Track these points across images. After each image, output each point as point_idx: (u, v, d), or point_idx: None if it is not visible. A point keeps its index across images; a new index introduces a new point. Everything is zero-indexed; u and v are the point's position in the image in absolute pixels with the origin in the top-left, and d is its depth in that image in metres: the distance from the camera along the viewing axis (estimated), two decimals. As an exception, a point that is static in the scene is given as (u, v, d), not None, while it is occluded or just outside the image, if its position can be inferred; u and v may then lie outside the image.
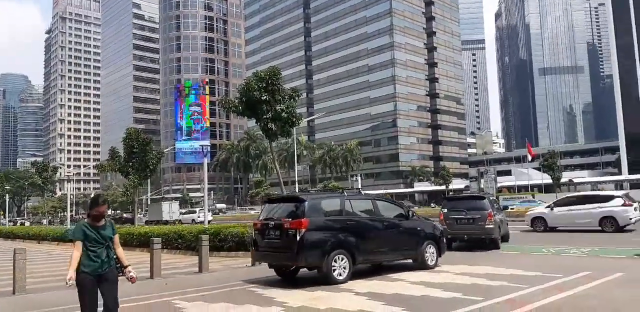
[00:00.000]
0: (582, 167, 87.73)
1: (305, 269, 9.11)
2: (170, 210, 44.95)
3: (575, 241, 14.65)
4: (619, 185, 61.04)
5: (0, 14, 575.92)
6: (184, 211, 46.02)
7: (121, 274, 4.95)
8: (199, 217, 40.12)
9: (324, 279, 8.29)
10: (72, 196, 59.55)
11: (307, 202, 8.66)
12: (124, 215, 53.62)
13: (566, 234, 17.93)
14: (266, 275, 9.70)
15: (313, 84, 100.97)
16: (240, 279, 9.45)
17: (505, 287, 7.49)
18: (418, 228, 10.06)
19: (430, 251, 9.95)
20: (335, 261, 8.38)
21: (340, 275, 8.38)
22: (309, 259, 8.35)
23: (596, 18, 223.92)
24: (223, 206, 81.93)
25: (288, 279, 9.13)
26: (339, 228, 8.70)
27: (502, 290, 7.30)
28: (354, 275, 8.74)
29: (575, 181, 61.09)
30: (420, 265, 9.79)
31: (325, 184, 71.46)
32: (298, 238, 8.15)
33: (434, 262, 9.99)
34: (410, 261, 10.14)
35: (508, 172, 67.38)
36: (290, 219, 8.43)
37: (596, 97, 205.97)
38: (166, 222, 38.45)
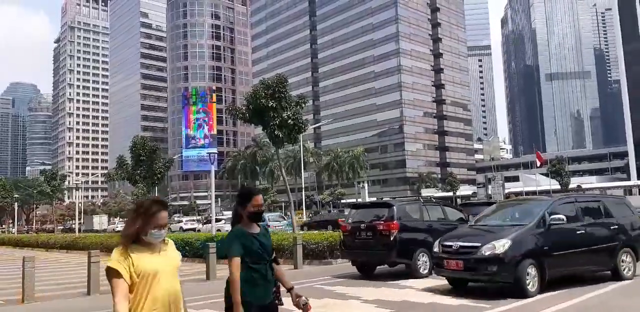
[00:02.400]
0: (590, 173, 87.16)
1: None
2: (100, 221, 56.13)
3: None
4: (627, 190, 60.55)
5: (10, 23, 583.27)
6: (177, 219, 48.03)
7: (277, 301, 3.34)
8: (185, 224, 44.19)
9: (413, 274, 9.64)
10: (80, 204, 59.82)
11: (395, 207, 10.01)
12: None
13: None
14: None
15: (319, 91, 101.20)
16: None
17: (568, 281, 7.77)
18: None
19: None
20: (419, 259, 9.70)
21: (424, 270, 9.72)
22: (401, 256, 9.72)
23: (603, 23, 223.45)
24: (230, 213, 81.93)
25: (368, 275, 10.34)
26: (420, 230, 10.10)
27: (563, 284, 7.53)
28: (364, 284, 8.72)
29: (583, 186, 60.68)
30: None
31: (332, 191, 71.37)
32: (392, 238, 9.53)
33: None
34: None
35: (516, 178, 66.96)
36: (382, 222, 9.74)
37: (604, 102, 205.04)
38: (97, 231, 46.11)
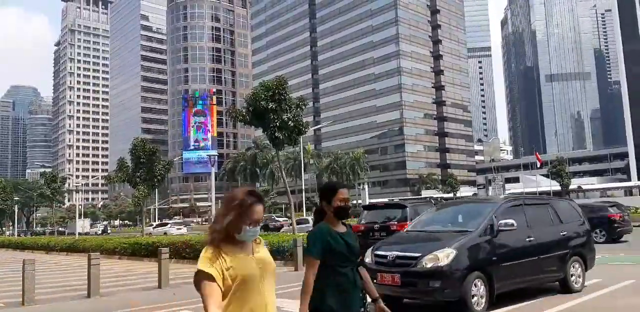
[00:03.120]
0: (590, 173, 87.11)
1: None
2: (83, 225, 59.26)
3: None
4: (628, 191, 60.52)
5: (10, 26, 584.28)
6: (154, 224, 50.32)
7: (364, 311, 2.92)
8: (170, 229, 45.39)
9: None
10: (80, 207, 59.89)
11: (408, 208, 10.31)
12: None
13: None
14: (276, 285, 9.66)
15: (319, 93, 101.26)
16: (248, 288, 9.42)
17: (513, 297, 7.44)
18: None
19: None
20: None
21: None
22: None
23: (603, 24, 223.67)
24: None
25: None
26: None
27: (509, 300, 7.25)
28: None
29: (584, 187, 60.66)
30: None
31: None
32: None
33: None
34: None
35: (516, 179, 67.01)
36: (396, 223, 9.98)
37: (604, 103, 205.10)
38: (79, 234, 47.53)
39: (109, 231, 64.08)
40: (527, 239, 6.98)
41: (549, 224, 7.62)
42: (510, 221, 6.56)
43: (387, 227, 10.13)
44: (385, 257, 6.53)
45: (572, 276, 7.60)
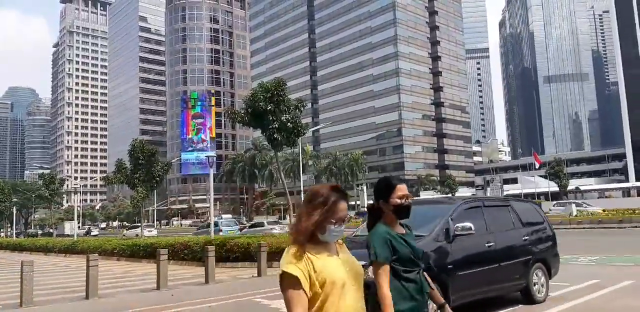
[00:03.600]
0: (589, 174, 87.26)
1: None
2: (70, 227, 60.46)
3: (582, 250, 14.53)
4: (626, 192, 60.64)
5: (9, 28, 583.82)
6: (128, 225, 51.41)
7: None
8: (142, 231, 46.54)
9: None
10: (79, 208, 59.81)
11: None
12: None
13: (572, 242, 17.80)
14: (272, 286, 9.69)
15: (318, 94, 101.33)
16: (247, 290, 9.44)
17: (512, 297, 7.45)
18: None
19: None
20: None
21: None
22: None
23: (600, 25, 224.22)
24: (229, 216, 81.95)
25: None
26: None
27: (508, 300, 7.25)
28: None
29: (582, 188, 60.75)
30: None
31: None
32: None
33: None
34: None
35: (514, 180, 67.08)
36: None
37: (602, 104, 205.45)
38: (68, 235, 49.64)
39: (92, 233, 64.93)
40: (487, 245, 6.33)
41: (510, 228, 6.95)
42: (468, 224, 5.88)
43: None
44: None
45: (535, 284, 6.94)
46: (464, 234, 5.87)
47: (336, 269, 1.95)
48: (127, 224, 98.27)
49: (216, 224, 31.18)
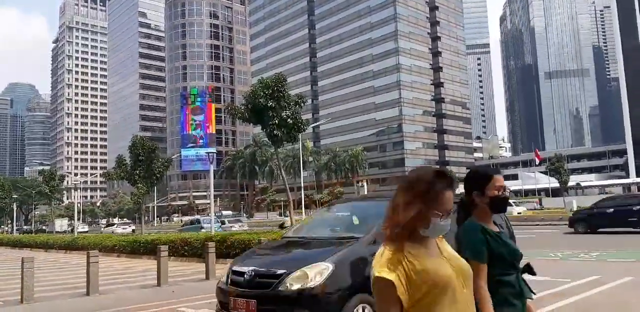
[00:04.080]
0: (589, 170, 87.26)
1: None
2: (61, 224, 64.47)
3: (583, 245, 14.53)
4: (626, 188, 60.65)
5: (8, 24, 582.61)
6: (106, 223, 59.38)
7: None
8: (117, 228, 50.86)
9: None
10: (79, 204, 59.89)
11: None
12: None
13: (574, 238, 17.80)
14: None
15: (318, 90, 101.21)
16: (247, 286, 9.43)
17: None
18: None
19: None
20: None
21: None
22: None
23: (601, 21, 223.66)
24: (229, 212, 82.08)
25: None
26: None
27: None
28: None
29: (582, 184, 60.75)
30: None
31: (331, 190, 71.47)
32: None
33: None
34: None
35: (515, 177, 67.12)
36: None
37: (603, 100, 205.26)
38: (58, 232, 52.03)
39: (79, 229, 65.74)
40: None
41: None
42: None
43: None
44: (242, 274, 4.98)
45: None
46: None
47: (442, 270, 1.64)
48: (127, 221, 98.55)
49: (198, 222, 33.65)
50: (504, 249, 2.25)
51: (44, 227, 76.27)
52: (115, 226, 52.86)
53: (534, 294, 2.34)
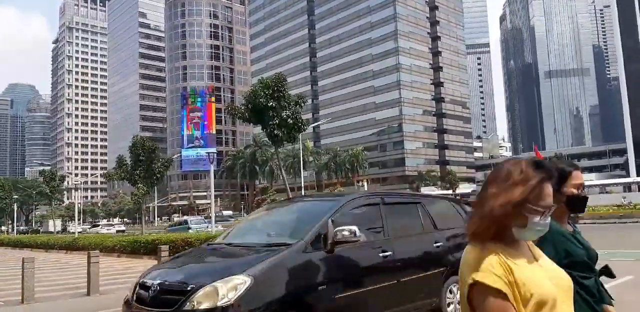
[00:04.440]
0: (589, 170, 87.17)
1: None
2: (54, 225, 64.30)
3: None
4: (627, 187, 60.62)
5: (8, 24, 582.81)
6: (89, 226, 60.62)
7: None
8: (101, 228, 52.81)
9: None
10: (79, 205, 59.92)
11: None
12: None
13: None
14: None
15: (318, 90, 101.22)
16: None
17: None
18: None
19: None
20: None
21: None
22: None
23: (602, 20, 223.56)
24: (230, 212, 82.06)
25: None
26: None
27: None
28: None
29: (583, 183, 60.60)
30: None
31: (332, 190, 71.47)
32: None
33: None
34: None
35: (515, 176, 66.99)
36: None
37: (603, 99, 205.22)
38: (51, 232, 52.58)
39: (69, 230, 66.81)
40: (382, 255, 4.86)
41: (418, 232, 5.60)
42: (352, 228, 4.33)
43: None
44: (148, 288, 4.18)
45: (449, 304, 5.57)
46: (348, 241, 4.36)
47: (541, 280, 1.33)
48: (128, 221, 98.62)
49: (186, 222, 35.25)
50: (581, 251, 2.07)
51: (39, 228, 77.95)
52: (100, 226, 55.54)
53: (613, 299, 2.12)
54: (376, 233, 5.09)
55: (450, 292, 5.55)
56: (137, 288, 4.34)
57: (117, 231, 49.02)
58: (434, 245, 5.58)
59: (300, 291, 4.13)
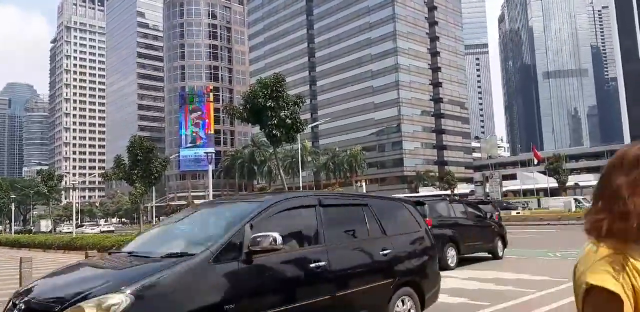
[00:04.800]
0: (588, 170, 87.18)
1: None
2: (46, 225, 66.30)
3: (582, 245, 14.51)
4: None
5: (6, 24, 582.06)
6: (78, 224, 61.29)
7: None
8: (85, 228, 55.45)
9: (443, 267, 9.51)
10: (77, 204, 59.84)
11: (427, 205, 10.57)
12: None
13: (572, 237, 17.81)
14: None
15: (317, 90, 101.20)
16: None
17: (513, 292, 7.43)
18: (492, 226, 12.44)
19: (498, 244, 12.32)
20: (448, 253, 10.50)
21: (452, 263, 10.53)
22: None
23: (600, 21, 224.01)
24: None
25: None
26: (448, 226, 10.90)
27: (509, 295, 7.24)
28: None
29: (581, 184, 60.79)
30: (495, 255, 12.20)
31: (330, 190, 71.42)
32: None
33: (501, 253, 12.40)
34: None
35: (513, 177, 67.13)
36: None
37: (601, 100, 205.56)
38: (44, 232, 53.48)
39: (57, 230, 67.05)
40: (314, 265, 4.17)
41: (361, 238, 4.95)
42: (273, 234, 3.67)
43: None
44: (15, 305, 3.57)
45: None
46: (269, 250, 3.70)
47: None
48: (125, 221, 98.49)
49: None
50: None
51: (31, 228, 79.01)
52: (85, 227, 59.20)
53: None
54: (309, 240, 4.41)
55: (400, 304, 4.93)
56: (10, 305, 3.65)
57: (102, 231, 49.47)
58: (381, 253, 4.89)
59: (207, 307, 3.39)
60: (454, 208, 11.79)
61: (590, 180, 70.06)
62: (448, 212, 11.46)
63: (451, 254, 10.63)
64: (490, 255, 12.22)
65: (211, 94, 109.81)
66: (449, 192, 67.86)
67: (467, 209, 12.30)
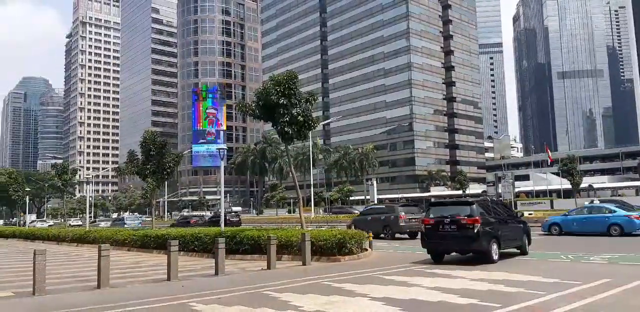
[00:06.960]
0: (602, 172, 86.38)
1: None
2: (29, 218, 67.15)
3: (594, 248, 14.41)
4: (639, 190, 59.93)
5: (22, 18, 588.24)
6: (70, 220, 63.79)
7: None
8: (72, 221, 58.40)
9: (487, 260, 11.35)
10: (90, 198, 60.46)
11: (475, 205, 11.70)
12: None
13: (584, 240, 17.65)
14: (281, 279, 9.72)
15: (329, 88, 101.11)
16: (256, 282, 9.49)
17: (523, 294, 7.41)
18: (521, 224, 13.41)
19: (525, 241, 13.20)
20: (492, 247, 11.47)
21: (495, 256, 11.51)
22: (481, 245, 11.35)
23: (616, 21, 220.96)
24: (239, 209, 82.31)
25: (440, 261, 11.99)
26: (492, 223, 11.76)
27: (519, 297, 7.22)
28: (372, 281, 8.72)
29: (595, 186, 60.16)
30: (522, 251, 13.08)
31: (341, 188, 71.40)
32: (475, 230, 11.22)
33: (527, 249, 13.24)
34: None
35: (526, 177, 66.57)
36: (466, 217, 11.43)
37: (616, 101, 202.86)
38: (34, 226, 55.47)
39: (48, 224, 67.58)
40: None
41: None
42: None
43: (457, 221, 11.49)
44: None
45: None
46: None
47: None
48: (139, 215, 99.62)
49: (122, 219, 42.65)
50: None
51: (21, 221, 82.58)
52: (72, 220, 64.58)
53: None
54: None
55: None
56: None
57: (71, 226, 51.10)
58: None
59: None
60: (494, 207, 12.89)
61: (604, 182, 69.39)
62: (490, 211, 12.39)
63: (494, 248, 11.57)
64: (518, 251, 13.03)
65: (224, 90, 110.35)
66: (460, 192, 67.52)
67: (503, 209, 13.54)
